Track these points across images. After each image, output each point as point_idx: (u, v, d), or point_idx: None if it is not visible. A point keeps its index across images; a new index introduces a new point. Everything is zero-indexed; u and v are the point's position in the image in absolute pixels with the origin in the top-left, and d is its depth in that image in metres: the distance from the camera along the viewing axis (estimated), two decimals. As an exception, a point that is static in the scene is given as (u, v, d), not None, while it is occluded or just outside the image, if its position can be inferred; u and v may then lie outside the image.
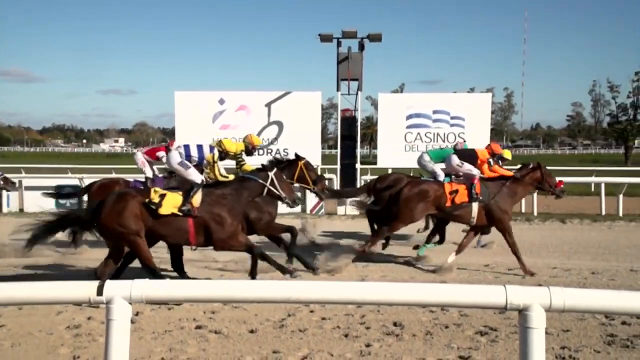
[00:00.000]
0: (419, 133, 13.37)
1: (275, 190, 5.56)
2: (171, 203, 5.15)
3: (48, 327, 4.29)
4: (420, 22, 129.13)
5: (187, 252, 5.82)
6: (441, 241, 7.44)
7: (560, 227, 10.46)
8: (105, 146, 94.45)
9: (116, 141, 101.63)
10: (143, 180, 7.72)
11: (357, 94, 13.73)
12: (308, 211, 12.45)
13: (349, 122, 14.08)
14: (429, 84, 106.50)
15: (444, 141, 13.28)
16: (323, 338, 4.09)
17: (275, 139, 13.51)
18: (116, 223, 5.01)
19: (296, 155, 6.82)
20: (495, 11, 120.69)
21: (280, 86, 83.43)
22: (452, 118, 13.38)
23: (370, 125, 54.74)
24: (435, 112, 13.40)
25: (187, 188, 5.49)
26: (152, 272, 5.04)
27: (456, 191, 6.75)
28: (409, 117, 13.44)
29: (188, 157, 5.90)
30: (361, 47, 13.51)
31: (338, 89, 13.72)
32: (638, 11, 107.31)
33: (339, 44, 13.52)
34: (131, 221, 5.02)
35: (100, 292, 2.11)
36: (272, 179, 5.55)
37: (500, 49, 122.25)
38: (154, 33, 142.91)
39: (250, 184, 5.57)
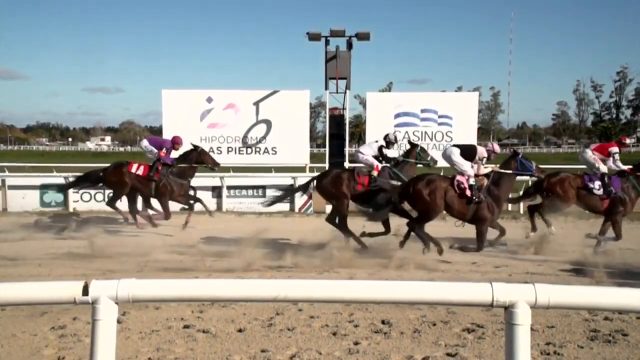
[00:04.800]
0: (407, 132, 13.44)
1: None
2: None
3: (32, 328, 4.23)
4: (408, 22, 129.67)
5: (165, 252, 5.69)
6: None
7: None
8: (91, 145, 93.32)
9: (102, 140, 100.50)
10: (591, 175, 8.27)
11: (345, 92, 13.76)
12: (297, 210, 12.46)
13: (337, 120, 14.11)
14: (417, 83, 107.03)
15: (431, 140, 13.39)
16: (311, 336, 4.10)
17: (264, 137, 13.49)
18: None
19: None
20: (482, 11, 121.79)
21: (269, 85, 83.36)
22: (439, 117, 13.49)
23: (359, 124, 54.86)
24: (423, 111, 13.50)
25: None
26: None
27: None
28: (397, 115, 13.52)
29: None
30: (349, 45, 13.54)
31: (326, 88, 13.74)
32: (621, 12, 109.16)
33: (327, 43, 13.54)
34: None
35: (85, 292, 2.08)
36: None
37: (487, 48, 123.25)
38: (141, 31, 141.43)
39: None
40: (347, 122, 14.11)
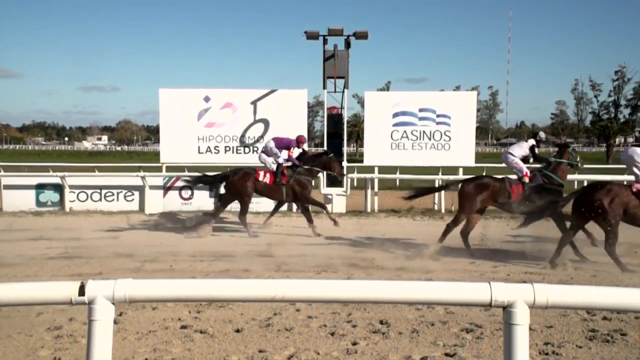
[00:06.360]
0: (405, 131, 13.42)
1: None
2: None
3: (28, 329, 4.21)
4: (406, 21, 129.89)
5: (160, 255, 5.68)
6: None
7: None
8: (87, 144, 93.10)
9: (99, 139, 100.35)
10: None
11: (343, 91, 13.72)
12: (295, 209, 12.42)
13: (335, 120, 14.08)
14: (415, 82, 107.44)
15: (430, 139, 13.38)
16: (309, 337, 4.08)
17: (262, 137, 13.44)
18: None
19: None
20: (480, 10, 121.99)
21: (266, 84, 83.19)
22: (438, 116, 13.47)
23: (357, 123, 54.79)
24: (421, 110, 13.47)
25: None
26: None
27: None
28: (396, 115, 13.49)
29: None
30: (347, 44, 13.50)
31: (324, 87, 13.69)
32: (619, 11, 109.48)
33: (325, 42, 13.49)
34: None
35: (82, 292, 2.07)
36: None
37: (485, 47, 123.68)
38: (138, 29, 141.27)
39: None
40: (345, 121, 14.07)
